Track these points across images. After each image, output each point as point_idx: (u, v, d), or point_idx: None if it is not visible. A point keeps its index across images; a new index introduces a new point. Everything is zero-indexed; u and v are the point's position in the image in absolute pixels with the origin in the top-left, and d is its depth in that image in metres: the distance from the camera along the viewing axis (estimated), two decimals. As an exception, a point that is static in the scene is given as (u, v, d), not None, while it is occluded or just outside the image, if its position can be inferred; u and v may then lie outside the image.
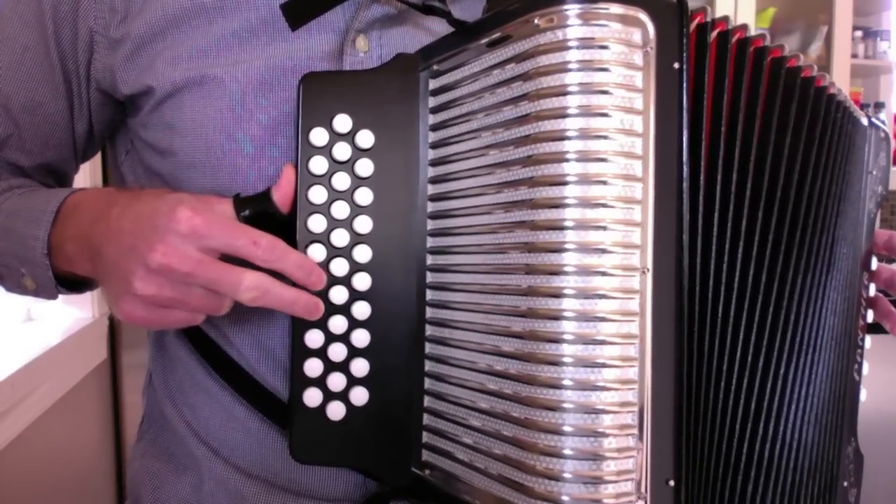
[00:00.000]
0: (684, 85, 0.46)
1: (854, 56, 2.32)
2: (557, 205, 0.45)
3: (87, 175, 1.42)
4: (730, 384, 0.52)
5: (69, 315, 1.44)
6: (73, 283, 0.60)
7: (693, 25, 0.49)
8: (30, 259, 0.57)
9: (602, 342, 0.45)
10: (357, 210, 0.53)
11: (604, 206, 0.45)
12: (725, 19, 0.51)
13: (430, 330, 0.54)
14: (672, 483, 0.46)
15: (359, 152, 0.53)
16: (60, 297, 0.62)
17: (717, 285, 0.50)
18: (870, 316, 0.69)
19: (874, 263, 0.69)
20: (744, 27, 0.52)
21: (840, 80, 2.23)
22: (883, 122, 0.69)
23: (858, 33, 2.39)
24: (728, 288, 0.51)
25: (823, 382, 0.60)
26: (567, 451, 0.45)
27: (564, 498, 0.45)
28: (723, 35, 0.51)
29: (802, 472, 0.58)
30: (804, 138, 0.55)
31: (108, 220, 0.51)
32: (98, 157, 1.26)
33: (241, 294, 0.47)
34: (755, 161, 0.52)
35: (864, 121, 0.64)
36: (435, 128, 0.54)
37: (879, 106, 2.44)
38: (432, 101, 0.54)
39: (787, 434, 0.56)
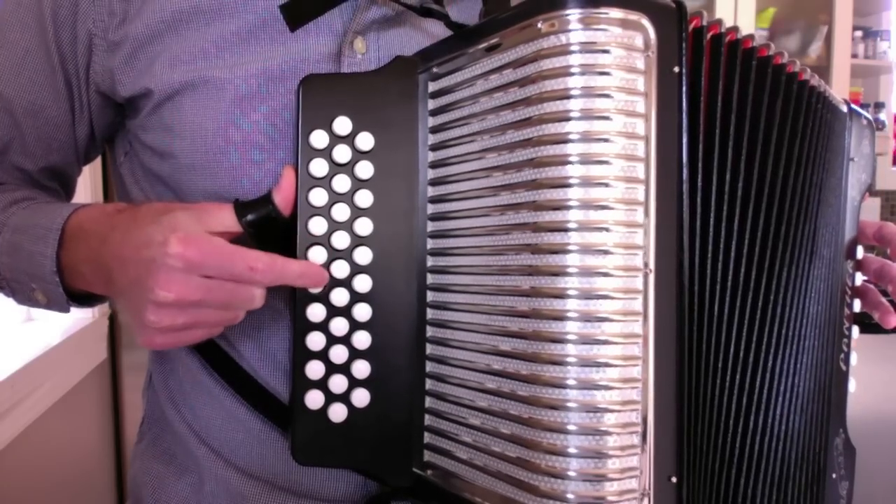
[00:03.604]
0: (684, 88, 0.47)
1: (854, 56, 2.33)
2: (560, 206, 0.45)
3: (87, 176, 1.42)
4: (724, 380, 0.52)
5: (69, 315, 1.43)
6: (83, 298, 0.61)
7: (689, 29, 0.49)
8: (39, 276, 0.58)
9: (605, 342, 0.45)
10: (357, 212, 0.53)
11: (606, 207, 0.45)
12: (719, 22, 0.52)
13: (430, 331, 0.54)
14: (674, 480, 0.47)
15: (359, 154, 0.53)
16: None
17: (713, 284, 0.51)
18: (857, 305, 0.69)
19: (860, 252, 0.68)
20: (735, 29, 0.53)
21: (840, 80, 2.23)
22: (867, 113, 0.69)
23: (858, 33, 2.39)
24: (722, 286, 0.52)
25: (808, 372, 0.61)
26: (571, 450, 0.45)
27: (570, 496, 0.45)
28: (716, 38, 0.51)
29: (790, 464, 0.59)
30: (788, 132, 0.56)
31: (112, 244, 0.51)
32: (98, 158, 1.26)
33: (258, 304, 0.49)
34: (746, 160, 0.53)
35: (844, 108, 0.65)
36: (435, 130, 0.54)
37: (879, 106, 2.45)
38: (432, 104, 0.54)
39: (774, 426, 0.57)
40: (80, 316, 1.45)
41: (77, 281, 0.57)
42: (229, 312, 0.49)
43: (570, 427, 0.45)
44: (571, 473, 0.45)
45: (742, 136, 0.52)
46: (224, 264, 0.47)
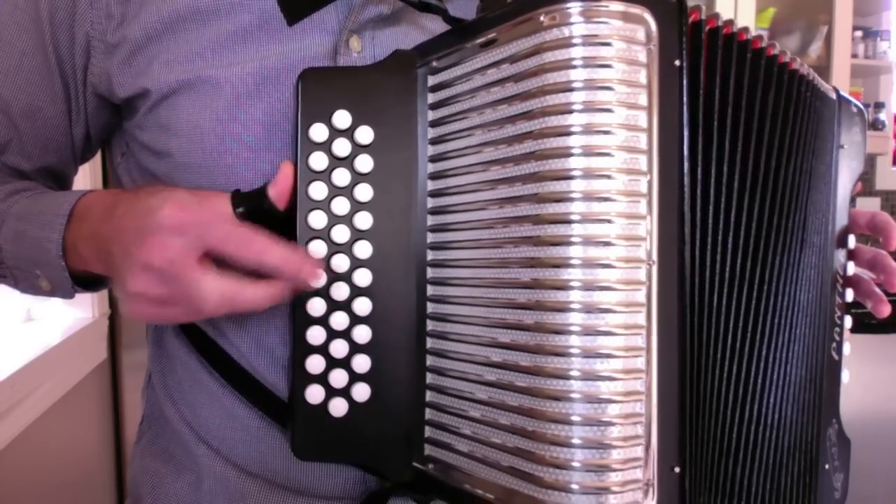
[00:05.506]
0: (685, 82, 0.47)
1: (854, 56, 2.33)
2: (563, 199, 0.45)
3: (86, 176, 1.42)
4: (722, 370, 0.53)
5: (69, 315, 1.44)
6: (88, 282, 0.61)
7: (689, 23, 0.50)
8: (44, 261, 0.58)
9: (609, 333, 0.45)
10: (357, 206, 0.53)
11: (609, 199, 0.45)
12: (716, 16, 0.53)
13: (430, 325, 0.54)
14: (677, 470, 0.47)
15: (358, 148, 0.53)
16: (61, 296, 0.62)
17: (712, 276, 0.52)
18: (849, 295, 0.69)
19: (852, 241, 0.68)
20: (731, 22, 0.53)
21: (840, 80, 2.24)
22: (861, 106, 0.69)
23: (858, 33, 2.40)
24: (720, 277, 0.52)
25: (799, 360, 0.61)
26: (575, 441, 0.45)
27: (574, 486, 0.45)
28: (713, 32, 0.52)
29: (783, 453, 0.59)
30: (780, 122, 0.57)
31: (113, 219, 0.52)
32: (98, 158, 1.27)
33: (206, 308, 0.47)
34: (742, 151, 0.53)
35: (832, 95, 0.65)
36: (434, 124, 0.54)
37: (879, 106, 2.45)
38: (431, 98, 0.54)
39: (769, 414, 0.57)
40: (80, 316, 1.45)
41: (75, 261, 0.57)
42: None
43: (574, 418, 0.45)
44: (576, 464, 0.45)
45: (738, 128, 0.53)
46: (204, 231, 0.47)
